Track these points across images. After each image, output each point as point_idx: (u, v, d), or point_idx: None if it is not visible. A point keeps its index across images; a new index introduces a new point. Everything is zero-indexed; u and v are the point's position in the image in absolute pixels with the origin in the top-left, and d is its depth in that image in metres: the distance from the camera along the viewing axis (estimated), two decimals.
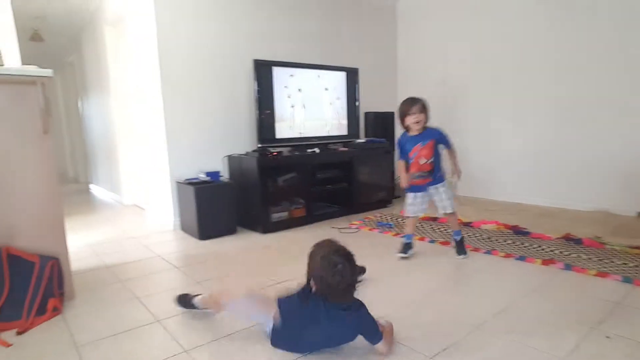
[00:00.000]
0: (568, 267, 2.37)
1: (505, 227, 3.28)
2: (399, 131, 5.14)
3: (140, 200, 4.61)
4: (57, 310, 1.98)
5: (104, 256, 2.90)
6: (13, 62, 3.81)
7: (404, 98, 2.60)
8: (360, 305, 1.55)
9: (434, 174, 2.59)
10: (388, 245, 3.01)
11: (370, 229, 3.45)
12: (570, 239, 2.85)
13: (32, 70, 2.04)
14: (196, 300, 1.91)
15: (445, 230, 3.30)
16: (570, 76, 3.77)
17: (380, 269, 2.50)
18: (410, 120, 2.53)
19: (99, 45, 4.90)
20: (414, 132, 2.56)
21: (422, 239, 3.10)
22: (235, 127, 3.82)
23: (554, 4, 3.79)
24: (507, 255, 2.63)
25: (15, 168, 1.98)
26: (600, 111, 3.62)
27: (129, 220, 4.14)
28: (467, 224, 3.42)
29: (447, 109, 4.69)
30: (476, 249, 2.80)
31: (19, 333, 1.82)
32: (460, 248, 2.66)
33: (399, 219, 3.72)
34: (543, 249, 2.71)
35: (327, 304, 1.49)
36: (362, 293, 2.09)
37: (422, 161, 2.57)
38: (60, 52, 6.67)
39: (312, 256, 1.53)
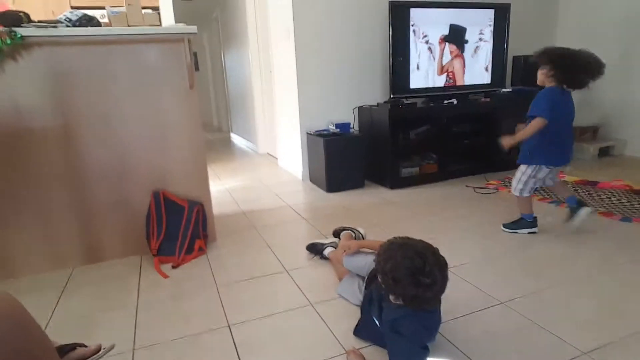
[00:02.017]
0: None
1: None
2: None
3: (273, 149, 4.86)
4: (202, 250, 2.21)
5: (241, 202, 3.13)
6: (169, 21, 4.18)
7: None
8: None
9: None
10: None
11: (510, 191, 3.06)
12: None
13: (179, 27, 2.16)
14: (326, 252, 2.00)
15: (609, 197, 2.77)
16: None
17: (519, 239, 2.21)
18: None
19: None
20: None
21: None
22: (367, 76, 3.66)
23: None
24: None
25: (167, 120, 2.18)
26: None
27: (263, 168, 4.41)
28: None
29: (626, 51, 3.81)
30: None
31: (174, 267, 2.07)
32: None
33: None
34: None
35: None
36: (500, 266, 1.88)
37: None
38: (206, 8, 7.19)
39: (388, 264, 1.13)
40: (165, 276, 1.98)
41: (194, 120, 2.23)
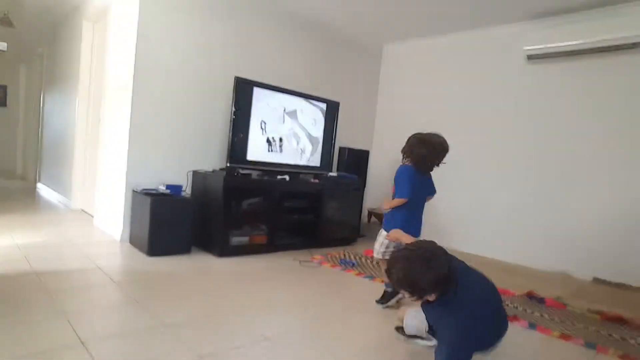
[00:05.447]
0: (532, 326, 2.30)
1: None
2: (373, 169, 5.03)
3: (89, 206, 4.28)
4: None
5: (36, 261, 2.58)
6: None
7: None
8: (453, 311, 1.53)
9: None
10: (349, 284, 2.87)
11: (332, 266, 3.30)
12: (533, 297, 2.80)
13: None
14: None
15: None
16: (545, 147, 3.86)
17: (339, 307, 2.35)
18: None
19: (74, 41, 4.68)
20: None
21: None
22: (206, 142, 3.65)
23: (539, 72, 3.94)
24: None
25: None
26: (569, 182, 3.72)
27: (73, 225, 3.81)
28: None
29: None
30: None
31: None
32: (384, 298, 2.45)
33: (362, 258, 3.60)
34: (507, 305, 2.64)
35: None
36: (320, 333, 1.94)
37: None
38: (31, 43, 6.36)
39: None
40: None
41: None
